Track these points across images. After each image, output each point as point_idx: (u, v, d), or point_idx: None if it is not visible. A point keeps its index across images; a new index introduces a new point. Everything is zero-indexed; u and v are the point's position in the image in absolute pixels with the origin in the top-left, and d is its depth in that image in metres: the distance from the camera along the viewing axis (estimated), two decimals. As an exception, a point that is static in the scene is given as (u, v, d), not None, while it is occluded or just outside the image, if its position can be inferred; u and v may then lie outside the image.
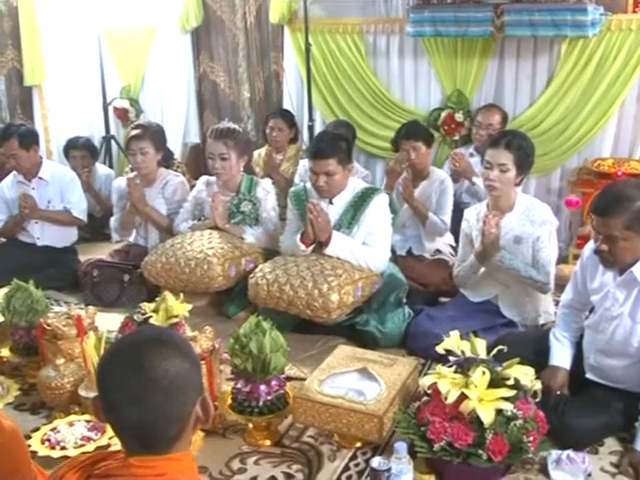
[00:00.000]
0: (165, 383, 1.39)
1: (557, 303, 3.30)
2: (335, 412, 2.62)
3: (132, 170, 4.49)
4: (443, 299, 3.97)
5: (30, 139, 4.40)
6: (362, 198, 3.65)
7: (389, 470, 2.26)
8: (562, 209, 4.77)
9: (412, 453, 2.38)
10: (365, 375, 2.84)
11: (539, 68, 4.84)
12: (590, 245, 2.78)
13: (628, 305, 2.64)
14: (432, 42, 5.03)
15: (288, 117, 5.27)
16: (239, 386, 2.71)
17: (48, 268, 4.33)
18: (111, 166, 5.96)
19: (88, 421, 2.71)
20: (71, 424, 2.70)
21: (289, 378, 2.99)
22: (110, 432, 2.59)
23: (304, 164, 4.66)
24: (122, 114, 6.20)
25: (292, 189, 3.97)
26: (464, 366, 2.47)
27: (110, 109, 6.12)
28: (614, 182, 2.86)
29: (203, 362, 2.65)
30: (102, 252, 4.62)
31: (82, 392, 2.82)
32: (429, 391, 2.52)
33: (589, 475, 2.50)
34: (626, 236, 2.51)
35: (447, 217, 4.20)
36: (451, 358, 2.55)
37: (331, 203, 3.68)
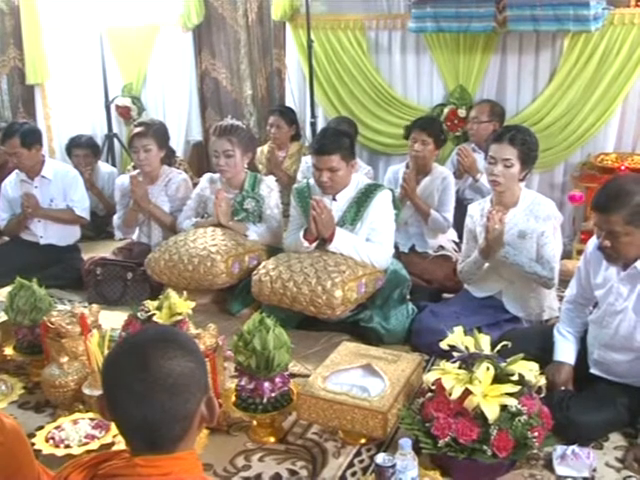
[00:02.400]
0: (170, 382, 1.39)
1: (561, 298, 3.30)
2: (339, 409, 2.62)
3: (135, 168, 4.50)
4: (447, 295, 3.97)
5: (32, 138, 4.40)
6: (365, 194, 3.64)
7: (394, 466, 2.26)
8: (565, 204, 4.76)
9: (417, 449, 2.37)
10: (369, 371, 2.84)
11: (542, 63, 4.83)
12: (593, 240, 2.77)
13: (632, 300, 2.64)
14: (434, 38, 5.02)
15: (287, 114, 5.25)
16: (243, 383, 2.71)
17: (51, 266, 4.34)
18: (114, 164, 5.97)
19: (92, 419, 2.71)
20: (75, 422, 2.69)
21: (293, 375, 3.00)
22: (114, 430, 2.59)
23: (307, 161, 4.66)
24: (124, 112, 6.21)
25: (295, 186, 3.97)
26: (468, 362, 2.47)
27: (112, 107, 6.13)
28: (613, 178, 2.85)
29: (207, 359, 2.64)
30: (105, 250, 4.62)
31: (86, 390, 2.82)
32: (433, 387, 2.52)
33: (594, 470, 2.50)
34: (628, 231, 2.50)
35: (449, 214, 4.20)
36: (455, 354, 2.55)
37: (334, 199, 3.68)
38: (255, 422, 2.77)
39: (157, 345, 1.42)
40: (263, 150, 5.25)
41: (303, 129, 5.50)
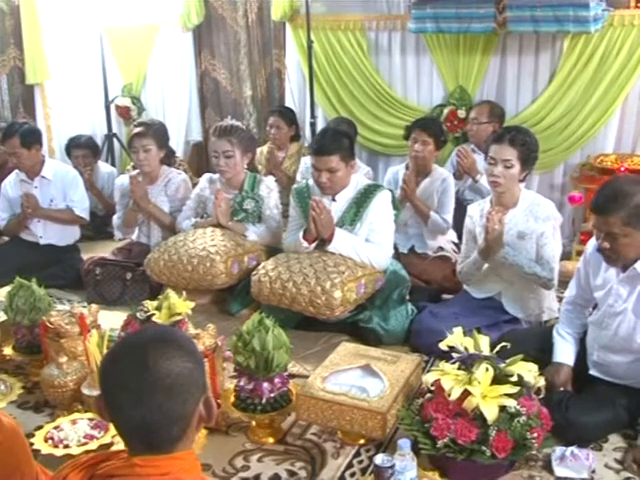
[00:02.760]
0: (168, 382, 1.38)
1: (560, 299, 3.30)
2: (338, 409, 2.62)
3: (134, 168, 4.50)
4: (446, 296, 3.97)
5: (32, 138, 4.39)
6: (365, 195, 3.64)
7: (393, 467, 2.26)
8: (565, 205, 4.76)
9: (416, 450, 2.37)
10: (368, 372, 2.84)
11: (541, 64, 4.83)
12: (593, 241, 2.77)
13: (631, 301, 2.64)
14: (434, 38, 5.02)
15: (287, 115, 5.26)
16: (242, 384, 2.71)
17: (51, 266, 4.34)
18: (113, 164, 5.97)
19: (91, 419, 2.71)
20: (74, 422, 2.69)
21: (292, 375, 3.00)
22: (113, 430, 2.58)
23: (306, 162, 4.66)
24: (124, 112, 6.21)
25: (295, 186, 3.97)
26: (467, 363, 2.47)
27: (112, 107, 6.13)
28: (611, 179, 2.85)
29: (206, 360, 2.65)
30: (105, 250, 4.62)
31: (85, 390, 2.82)
32: (432, 388, 2.52)
33: (593, 471, 2.50)
34: (626, 232, 2.50)
35: (449, 216, 4.20)
36: (454, 355, 2.55)
37: (334, 200, 3.68)
38: (254, 422, 2.76)
39: (155, 345, 1.42)
40: (262, 151, 5.25)
41: (303, 129, 5.50)
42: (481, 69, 4.97)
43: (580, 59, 4.63)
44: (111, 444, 2.56)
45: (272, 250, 3.98)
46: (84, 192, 4.65)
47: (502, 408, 2.35)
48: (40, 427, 2.74)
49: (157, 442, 1.41)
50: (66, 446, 2.55)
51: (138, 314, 2.98)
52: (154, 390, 1.37)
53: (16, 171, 4.55)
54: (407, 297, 3.69)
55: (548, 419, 2.45)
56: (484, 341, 2.54)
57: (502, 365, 2.45)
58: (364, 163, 5.06)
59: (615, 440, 2.69)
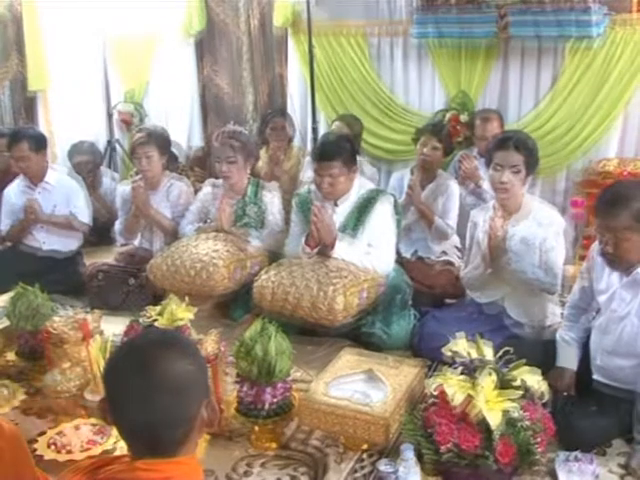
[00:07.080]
0: (171, 385, 1.39)
1: (563, 304, 3.29)
2: (341, 415, 2.61)
3: (137, 174, 4.50)
4: (449, 301, 3.96)
5: (40, 142, 4.41)
6: (367, 200, 3.64)
7: (396, 473, 2.26)
8: (568, 210, 4.75)
9: (419, 456, 2.37)
10: (371, 378, 2.84)
11: (543, 69, 4.82)
12: (596, 246, 2.77)
13: (635, 305, 2.63)
14: (436, 44, 5.02)
15: (288, 115, 5.36)
16: (245, 390, 2.71)
17: (53, 272, 4.34)
18: (115, 171, 5.97)
19: (94, 425, 2.71)
20: (77, 428, 2.70)
21: (295, 381, 2.99)
22: (115, 436, 2.59)
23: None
24: (126, 119, 6.21)
25: (297, 192, 3.97)
26: (471, 368, 2.46)
27: (114, 114, 6.14)
28: (613, 183, 2.85)
29: (208, 366, 2.64)
30: (107, 256, 4.63)
31: (88, 396, 2.82)
32: (435, 393, 2.51)
33: (597, 477, 2.48)
34: (628, 236, 2.50)
35: (453, 221, 4.20)
36: (457, 360, 2.54)
37: (336, 205, 3.68)
38: (257, 428, 2.75)
39: (158, 348, 1.43)
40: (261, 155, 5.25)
41: (305, 135, 5.51)
42: (483, 74, 4.97)
43: (582, 63, 4.63)
44: (113, 449, 2.57)
45: (275, 256, 3.97)
46: (87, 199, 4.65)
47: (505, 413, 2.34)
48: (43, 433, 2.74)
49: (160, 445, 1.41)
50: (69, 452, 2.56)
51: (141, 320, 2.98)
52: (157, 392, 1.38)
53: (20, 177, 4.55)
54: (410, 302, 3.68)
55: (551, 424, 2.44)
56: (487, 346, 2.54)
57: (505, 370, 2.44)
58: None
59: (619, 445, 2.68)
